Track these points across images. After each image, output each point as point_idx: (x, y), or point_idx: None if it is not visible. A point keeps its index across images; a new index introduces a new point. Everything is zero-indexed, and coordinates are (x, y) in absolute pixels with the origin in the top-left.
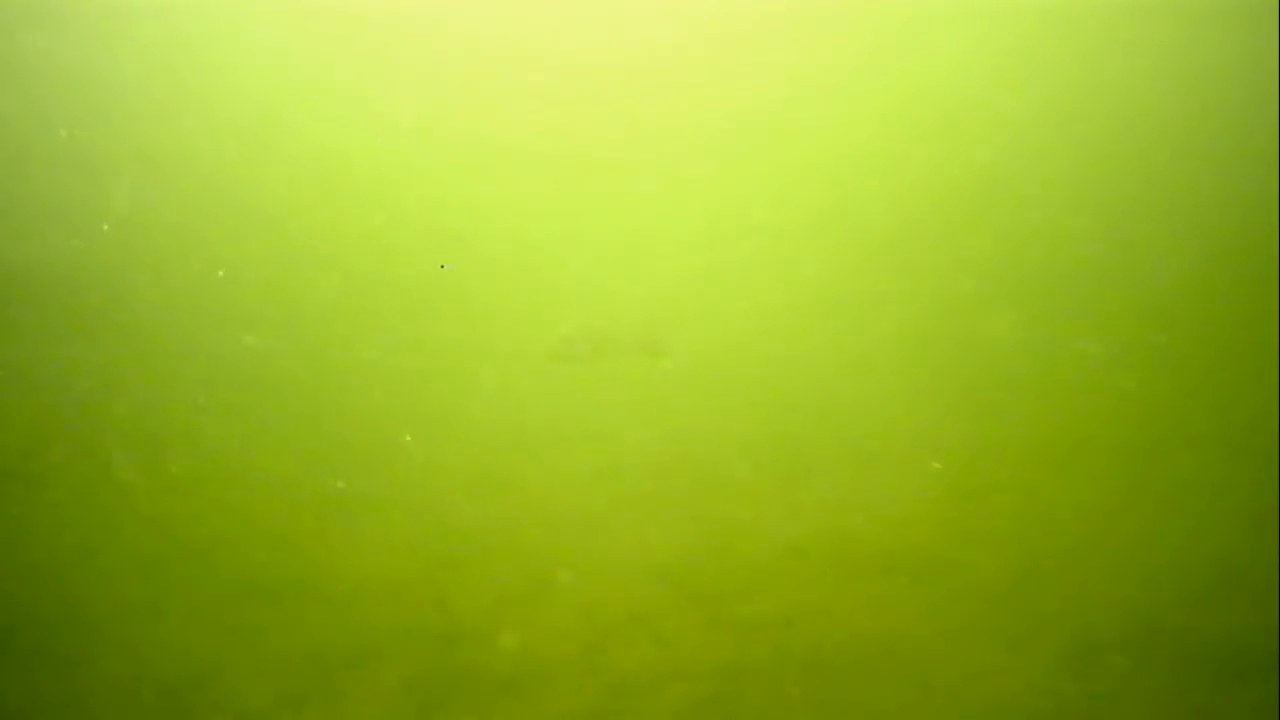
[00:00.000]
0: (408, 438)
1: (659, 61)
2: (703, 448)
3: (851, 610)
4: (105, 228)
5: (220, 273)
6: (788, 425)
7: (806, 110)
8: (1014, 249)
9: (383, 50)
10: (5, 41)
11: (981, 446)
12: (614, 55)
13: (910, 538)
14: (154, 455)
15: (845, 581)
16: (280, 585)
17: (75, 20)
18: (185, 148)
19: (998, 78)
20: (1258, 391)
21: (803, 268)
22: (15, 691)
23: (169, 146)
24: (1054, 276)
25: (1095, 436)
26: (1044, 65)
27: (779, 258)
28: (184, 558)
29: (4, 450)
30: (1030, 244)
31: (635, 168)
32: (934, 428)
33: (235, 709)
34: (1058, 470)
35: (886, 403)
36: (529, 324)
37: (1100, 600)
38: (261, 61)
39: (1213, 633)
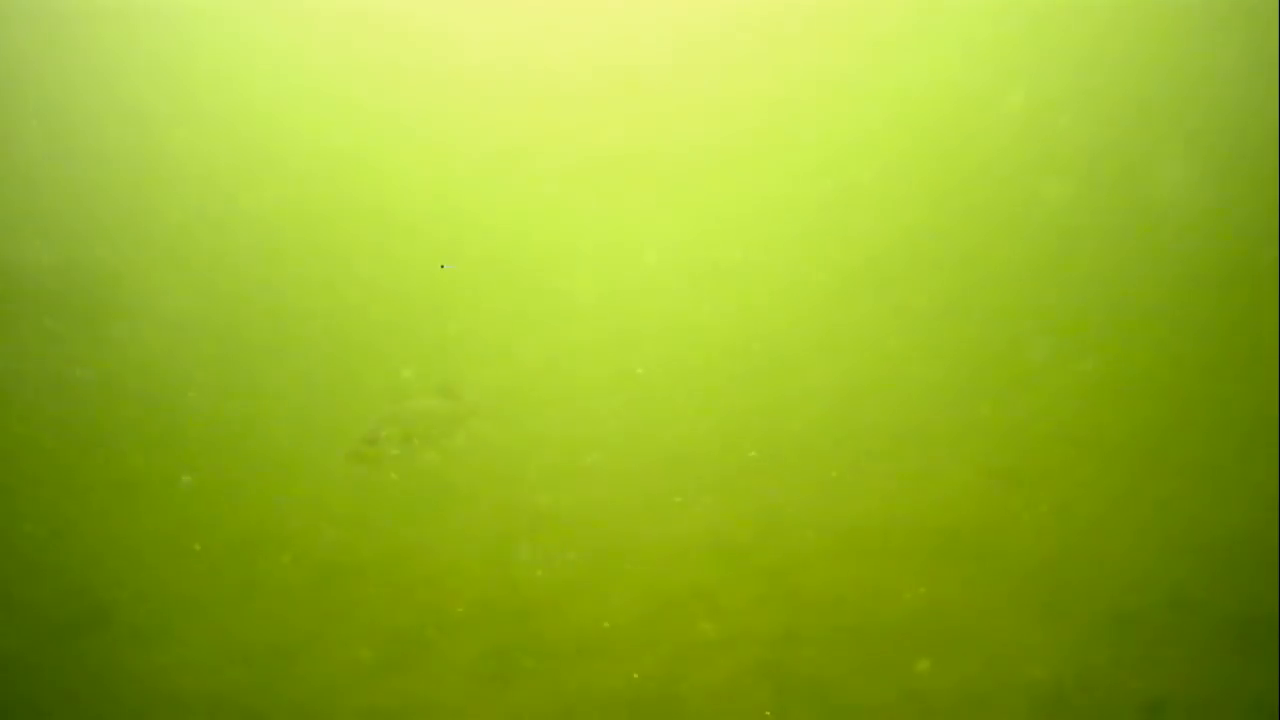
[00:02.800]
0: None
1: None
2: (764, 440)
3: (897, 585)
4: (109, 229)
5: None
6: (842, 419)
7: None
8: (1041, 252)
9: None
10: (6, 44)
11: (1018, 437)
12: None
13: (952, 520)
14: (243, 451)
15: (892, 559)
16: (368, 565)
17: (78, 23)
18: (185, 149)
19: (1001, 80)
20: (1271, 382)
21: (840, 271)
22: (121, 661)
23: (169, 147)
24: (1076, 277)
25: (1123, 426)
26: (1046, 67)
27: (798, 262)
28: (273, 542)
29: (103, 447)
30: (1055, 246)
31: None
32: (974, 420)
33: (329, 673)
34: (1088, 457)
35: (931, 398)
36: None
37: (1128, 575)
38: (262, 64)
39: (1233, 604)
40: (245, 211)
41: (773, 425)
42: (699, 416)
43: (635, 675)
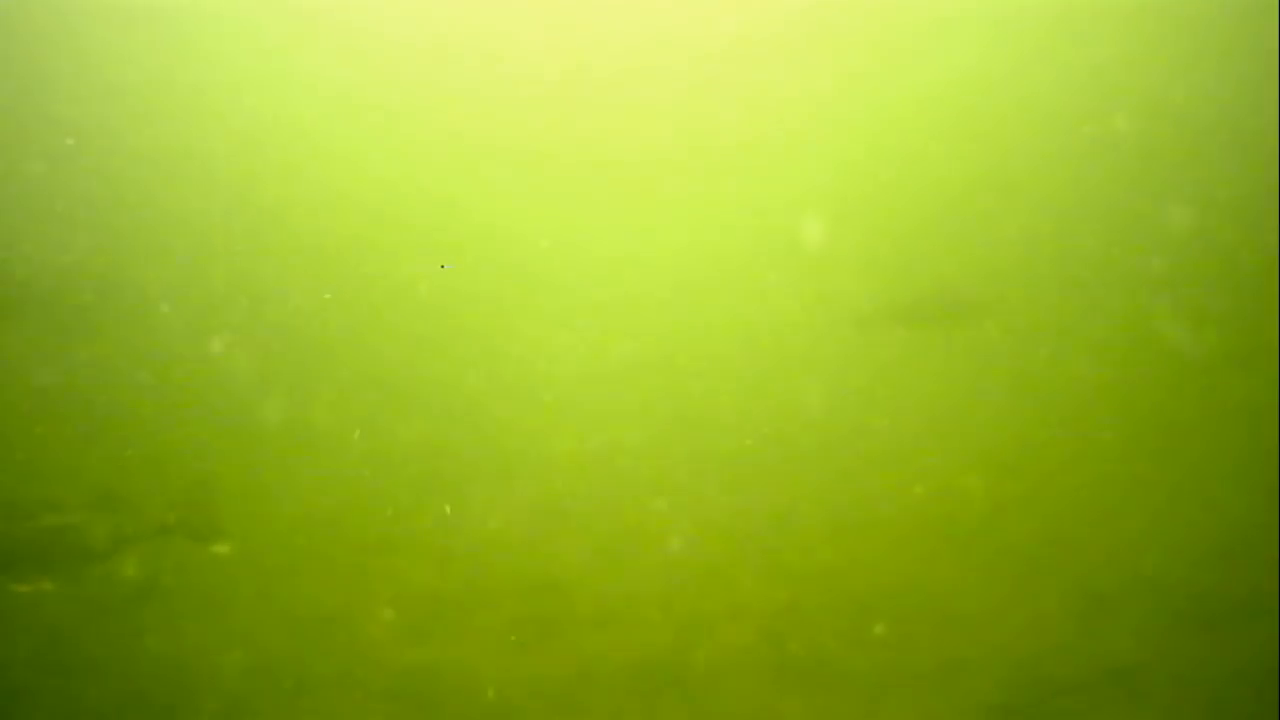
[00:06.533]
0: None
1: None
2: (770, 433)
3: (894, 565)
4: (108, 230)
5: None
6: (843, 415)
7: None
8: (1042, 253)
9: None
10: (7, 46)
11: (1013, 434)
12: None
13: (945, 509)
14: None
15: (886, 543)
16: (401, 541)
17: (79, 24)
18: (186, 151)
19: (1006, 82)
20: (1258, 380)
21: (847, 273)
22: (169, 634)
23: (170, 149)
24: (1066, 277)
25: (1111, 423)
26: (1049, 69)
27: (805, 264)
28: (313, 522)
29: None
30: (1043, 245)
31: None
32: (972, 418)
33: (363, 641)
34: (1078, 452)
35: (928, 397)
36: None
37: (1103, 559)
38: (263, 66)
39: (1209, 589)
40: None
41: (780, 420)
42: (709, 413)
43: (647, 644)
